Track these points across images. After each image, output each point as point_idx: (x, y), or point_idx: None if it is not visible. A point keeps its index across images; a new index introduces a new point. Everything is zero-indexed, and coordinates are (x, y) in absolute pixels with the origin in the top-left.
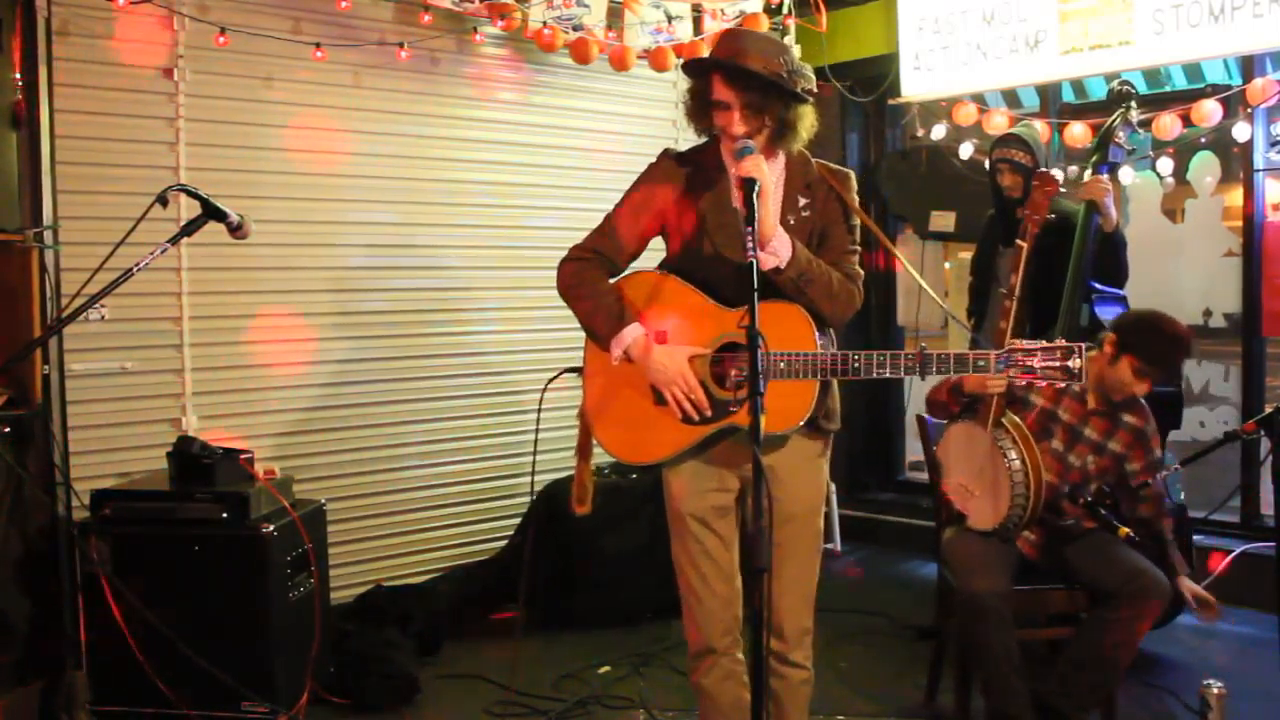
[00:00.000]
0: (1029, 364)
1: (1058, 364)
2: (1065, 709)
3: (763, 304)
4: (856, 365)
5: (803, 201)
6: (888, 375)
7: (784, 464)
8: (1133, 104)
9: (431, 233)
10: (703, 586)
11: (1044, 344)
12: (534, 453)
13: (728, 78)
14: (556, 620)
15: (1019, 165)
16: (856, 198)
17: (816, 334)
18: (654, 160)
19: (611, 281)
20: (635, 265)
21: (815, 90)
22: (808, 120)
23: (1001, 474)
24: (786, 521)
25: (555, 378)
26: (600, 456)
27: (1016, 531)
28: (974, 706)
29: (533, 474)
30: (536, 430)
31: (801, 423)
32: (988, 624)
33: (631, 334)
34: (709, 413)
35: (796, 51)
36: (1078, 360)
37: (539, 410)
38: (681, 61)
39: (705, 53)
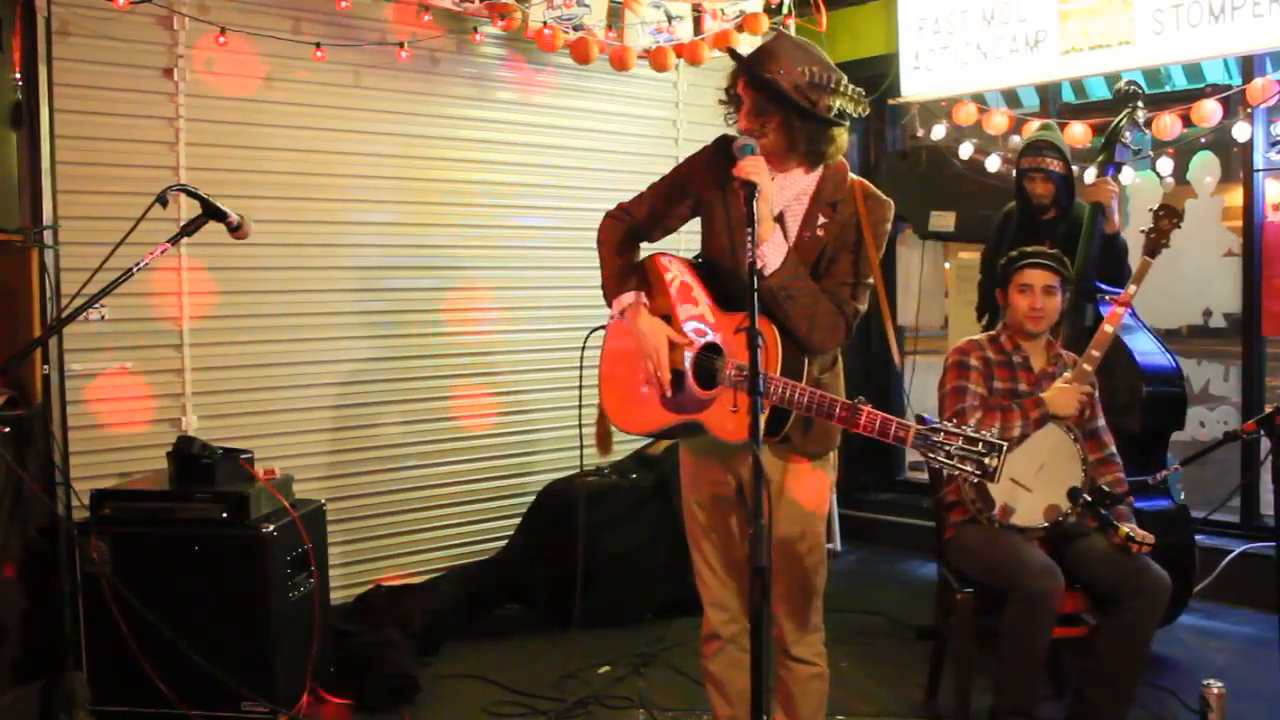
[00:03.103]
0: (947, 447)
1: (974, 457)
2: None
3: (744, 313)
4: (802, 400)
5: (821, 219)
6: (822, 417)
7: (781, 466)
8: (1139, 104)
9: (431, 233)
10: (708, 572)
11: (969, 432)
12: (579, 407)
13: (743, 72)
14: (557, 620)
15: (1053, 174)
16: (886, 229)
17: (781, 354)
18: (708, 143)
19: (644, 251)
20: (665, 245)
21: (849, 111)
22: (833, 145)
23: (1069, 467)
24: (782, 523)
25: (594, 331)
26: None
27: (1071, 526)
28: (974, 707)
29: (580, 438)
30: (580, 390)
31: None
32: (1043, 625)
33: (630, 298)
34: (669, 392)
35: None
36: (995, 459)
37: (580, 368)
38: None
39: (706, 53)
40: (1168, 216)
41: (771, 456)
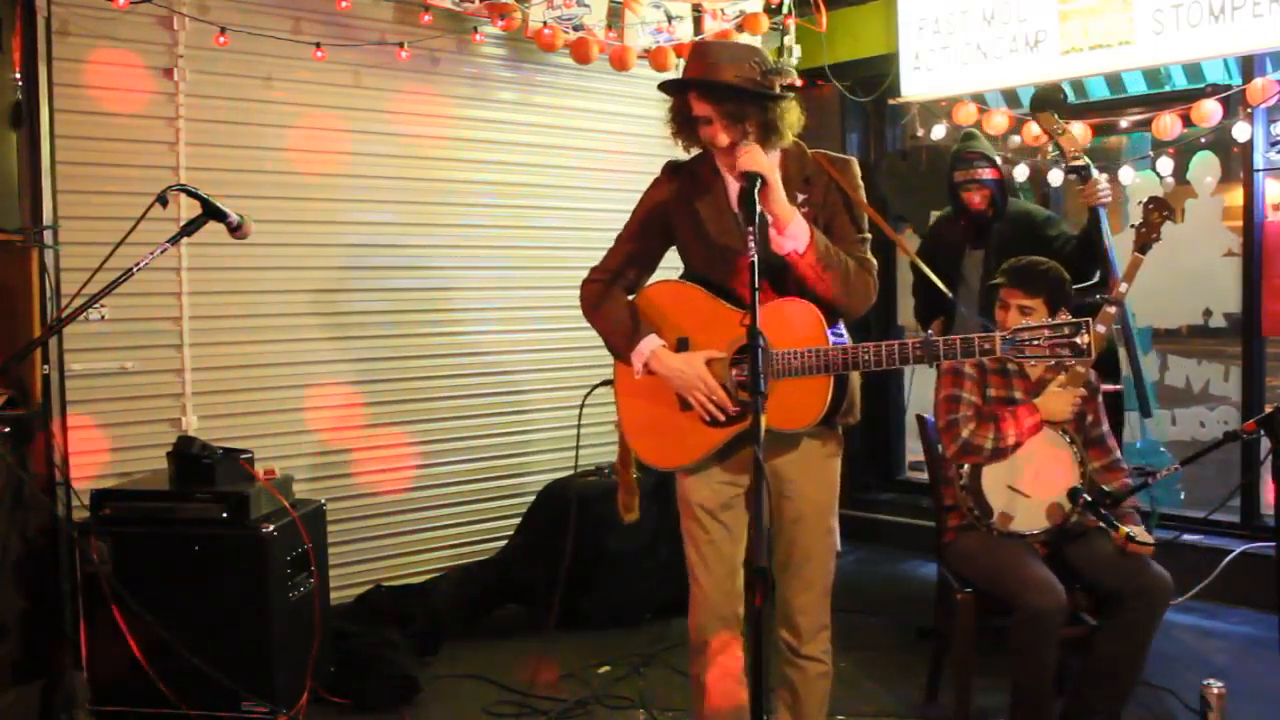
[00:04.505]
0: (1035, 341)
1: (1064, 340)
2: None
3: (775, 301)
4: (866, 358)
5: (801, 197)
6: (897, 366)
7: (795, 463)
8: (1057, 109)
9: (431, 233)
10: (705, 575)
11: (1049, 322)
12: (575, 464)
13: (702, 93)
14: (557, 620)
15: (986, 181)
16: (861, 184)
17: (828, 329)
18: (656, 175)
19: (630, 297)
20: (656, 276)
21: (796, 83)
22: (790, 116)
23: (1066, 471)
24: (798, 520)
25: (591, 391)
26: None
27: (1075, 526)
28: (974, 706)
29: (577, 440)
30: (578, 440)
31: (817, 420)
32: (1049, 641)
33: (648, 346)
34: (734, 411)
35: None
36: (1085, 335)
37: (579, 423)
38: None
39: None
40: (1158, 209)
41: (806, 445)
